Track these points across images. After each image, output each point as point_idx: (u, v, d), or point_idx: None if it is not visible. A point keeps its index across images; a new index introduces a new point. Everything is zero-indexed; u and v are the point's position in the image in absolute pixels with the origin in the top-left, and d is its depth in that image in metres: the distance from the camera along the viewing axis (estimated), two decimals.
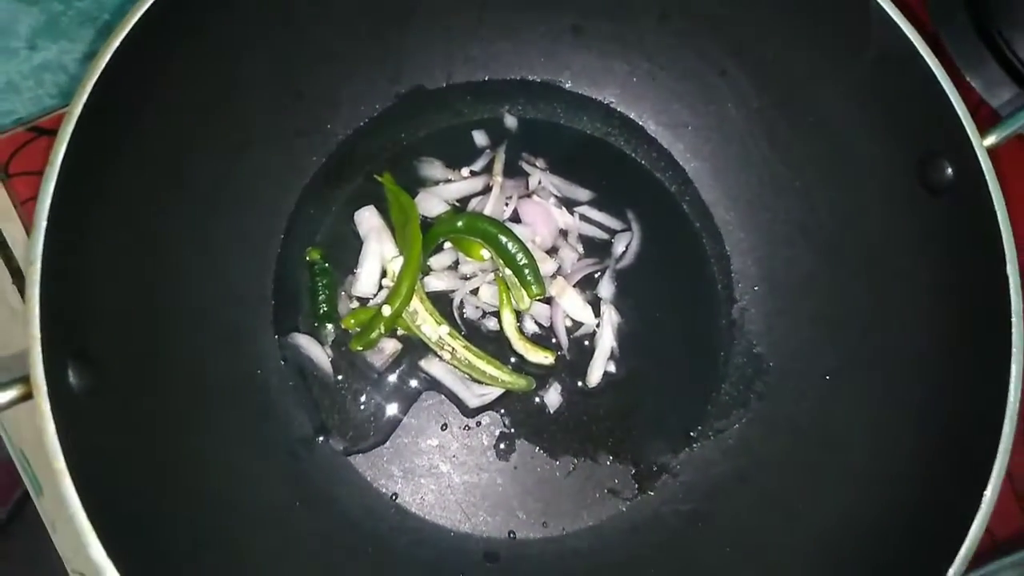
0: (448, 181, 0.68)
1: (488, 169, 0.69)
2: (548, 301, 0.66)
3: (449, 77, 0.70)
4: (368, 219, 0.66)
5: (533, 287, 0.63)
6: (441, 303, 0.65)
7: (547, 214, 0.67)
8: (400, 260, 0.63)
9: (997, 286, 0.49)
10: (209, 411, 0.56)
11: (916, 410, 0.54)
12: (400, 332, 0.64)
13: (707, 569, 0.59)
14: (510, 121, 0.71)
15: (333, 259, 0.65)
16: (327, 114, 0.66)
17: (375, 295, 0.65)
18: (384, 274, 0.65)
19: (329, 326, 0.64)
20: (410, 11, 0.65)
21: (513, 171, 0.69)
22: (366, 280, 0.64)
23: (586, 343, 0.66)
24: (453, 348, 0.63)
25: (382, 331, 0.61)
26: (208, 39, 0.55)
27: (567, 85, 0.71)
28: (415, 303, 0.62)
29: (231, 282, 0.61)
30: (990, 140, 0.51)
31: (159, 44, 0.50)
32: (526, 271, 0.63)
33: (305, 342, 0.63)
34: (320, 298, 0.64)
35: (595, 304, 0.66)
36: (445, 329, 0.63)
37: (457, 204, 0.68)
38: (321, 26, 0.62)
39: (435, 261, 0.66)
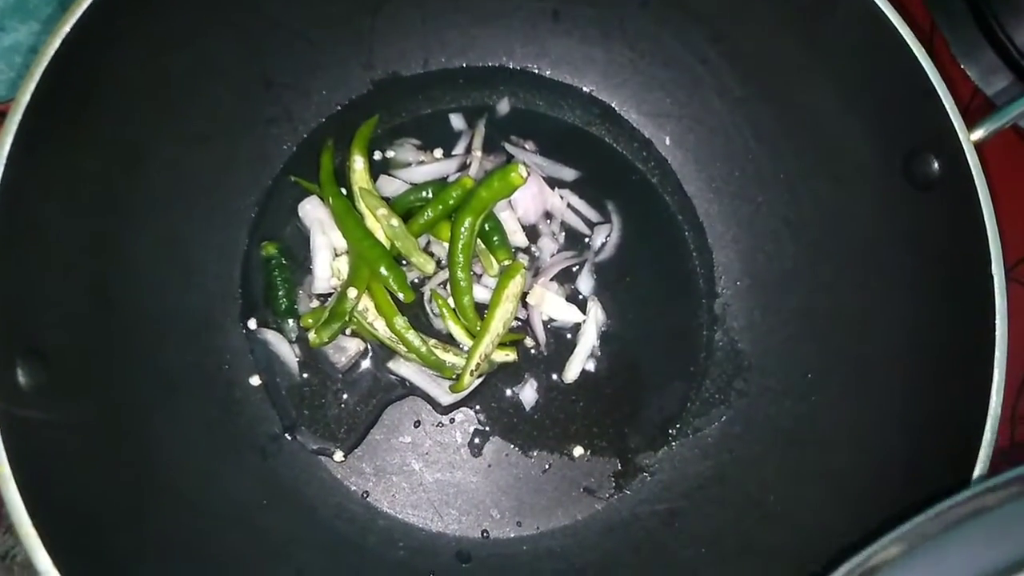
0: (421, 163, 0.67)
1: (465, 151, 0.67)
2: (526, 305, 0.64)
3: (425, 64, 0.68)
4: (310, 212, 0.63)
5: (500, 252, 0.62)
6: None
7: (533, 188, 0.64)
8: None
9: (982, 285, 0.47)
10: (172, 408, 0.54)
11: (898, 410, 0.53)
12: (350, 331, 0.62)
13: (683, 570, 0.58)
14: (503, 107, 0.69)
15: (301, 253, 0.63)
16: (298, 102, 0.64)
17: (334, 291, 0.63)
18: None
19: (291, 322, 0.62)
20: None
21: (492, 149, 0.68)
22: (321, 276, 0.62)
23: (568, 336, 0.65)
24: (402, 338, 0.60)
25: (347, 319, 0.59)
26: (171, 20, 0.53)
27: (547, 72, 0.69)
28: (365, 301, 0.60)
29: (195, 274, 0.59)
30: (977, 135, 0.49)
31: (116, 25, 0.49)
32: (494, 237, 0.62)
33: (273, 338, 0.61)
34: (279, 293, 0.62)
35: (573, 297, 0.65)
36: (400, 321, 0.60)
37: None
38: (293, 8, 0.60)
39: None
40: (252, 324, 0.62)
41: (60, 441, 0.45)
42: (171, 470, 0.52)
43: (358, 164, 0.63)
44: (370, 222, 0.62)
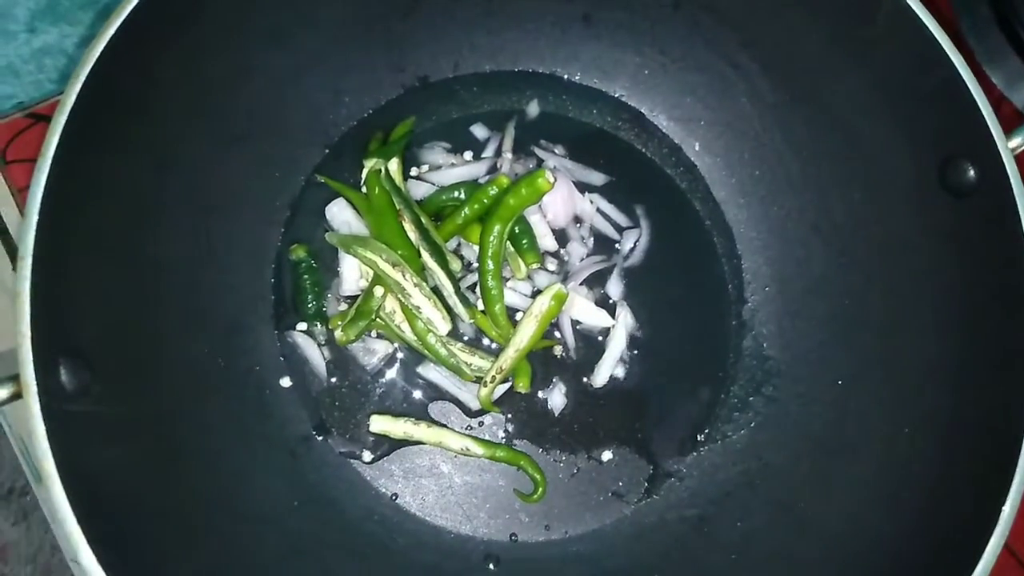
0: (452, 166, 0.67)
1: (495, 154, 0.68)
2: None
3: (455, 68, 0.68)
4: (338, 214, 0.63)
5: (528, 255, 0.62)
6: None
7: (563, 191, 0.64)
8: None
9: (1019, 293, 0.47)
10: (206, 409, 0.55)
11: (931, 418, 0.53)
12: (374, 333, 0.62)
13: None
14: (532, 111, 0.69)
15: (330, 256, 0.63)
16: (330, 105, 0.65)
17: (361, 292, 0.62)
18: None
19: (319, 324, 0.62)
20: None
21: (521, 153, 0.68)
22: (349, 278, 0.62)
23: (600, 338, 0.64)
24: (424, 340, 0.60)
25: (373, 317, 0.59)
26: (208, 25, 0.53)
27: (576, 77, 0.69)
28: (393, 303, 0.60)
29: (229, 277, 0.59)
30: (1015, 142, 0.49)
31: (157, 30, 0.49)
32: (523, 240, 0.62)
33: (302, 341, 0.61)
34: (308, 296, 0.62)
35: (602, 302, 0.65)
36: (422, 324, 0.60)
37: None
38: (326, 13, 0.60)
39: None
40: (284, 325, 0.62)
41: (100, 442, 0.45)
42: (205, 471, 0.52)
43: (392, 165, 0.63)
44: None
